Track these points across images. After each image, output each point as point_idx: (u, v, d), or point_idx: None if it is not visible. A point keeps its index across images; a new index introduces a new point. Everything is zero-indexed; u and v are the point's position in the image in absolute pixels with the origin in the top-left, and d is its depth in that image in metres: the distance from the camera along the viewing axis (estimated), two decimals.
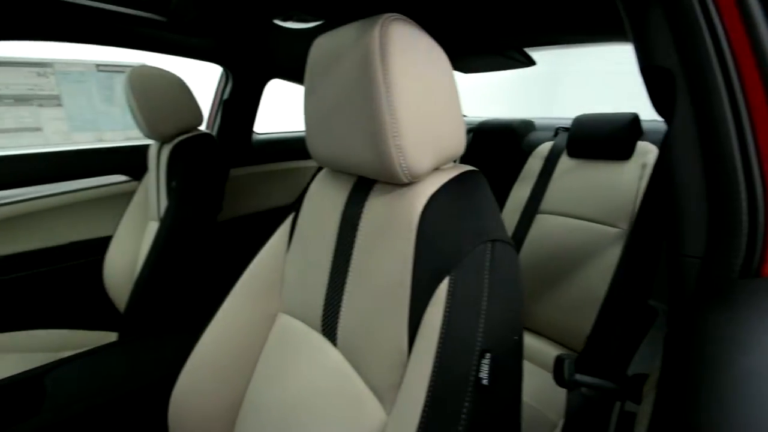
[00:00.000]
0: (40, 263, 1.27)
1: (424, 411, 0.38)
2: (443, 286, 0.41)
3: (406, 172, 0.44)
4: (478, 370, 0.37)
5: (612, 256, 1.01)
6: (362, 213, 0.53)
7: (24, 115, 1.25)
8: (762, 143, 0.33)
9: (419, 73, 0.43)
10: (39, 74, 1.24)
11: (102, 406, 0.69)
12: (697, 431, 0.23)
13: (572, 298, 1.06)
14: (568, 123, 1.21)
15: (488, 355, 0.37)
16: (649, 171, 1.00)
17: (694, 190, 0.37)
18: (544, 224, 1.16)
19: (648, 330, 0.76)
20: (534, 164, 1.23)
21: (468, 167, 0.52)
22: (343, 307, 0.54)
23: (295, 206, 0.67)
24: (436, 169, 0.49)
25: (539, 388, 0.98)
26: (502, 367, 0.38)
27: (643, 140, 1.07)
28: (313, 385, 0.55)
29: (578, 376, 0.48)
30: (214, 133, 1.56)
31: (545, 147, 1.23)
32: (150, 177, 1.25)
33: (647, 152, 1.04)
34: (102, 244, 1.27)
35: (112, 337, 1.16)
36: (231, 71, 1.49)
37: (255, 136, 1.72)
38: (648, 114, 1.10)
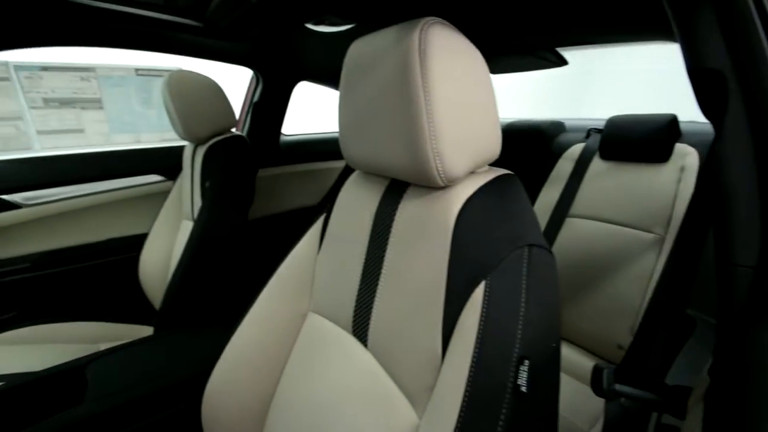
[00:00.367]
0: (80, 259, 1.34)
1: (460, 416, 0.38)
2: (479, 291, 0.41)
3: (442, 175, 0.44)
4: (516, 377, 0.36)
5: (647, 262, 0.97)
6: (395, 215, 0.53)
7: (68, 117, 1.32)
8: None
9: (458, 77, 0.43)
10: (82, 78, 1.30)
11: (140, 398, 0.72)
12: None
13: (602, 306, 1.03)
14: (600, 124, 1.18)
15: (527, 361, 0.37)
16: (688, 174, 0.97)
17: (747, 195, 0.36)
18: (573, 228, 1.13)
19: (686, 340, 0.73)
20: (564, 166, 1.20)
21: (503, 171, 0.51)
22: (375, 309, 0.54)
23: (326, 207, 0.68)
24: (472, 172, 0.49)
25: (568, 397, 0.96)
26: (541, 375, 0.38)
27: (681, 142, 1.03)
28: (343, 385, 0.55)
29: (618, 386, 0.46)
30: (244, 134, 1.60)
31: (576, 149, 1.20)
32: (184, 177, 1.29)
33: (686, 155, 1.00)
34: (138, 242, 1.32)
35: (146, 330, 1.21)
36: (261, 74, 1.52)
37: (282, 138, 1.76)
38: (686, 114, 1.06)
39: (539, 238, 0.43)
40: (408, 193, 0.53)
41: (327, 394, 0.56)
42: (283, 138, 1.76)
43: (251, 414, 0.65)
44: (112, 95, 1.36)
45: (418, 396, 0.47)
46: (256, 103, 1.57)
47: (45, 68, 1.25)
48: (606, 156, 1.12)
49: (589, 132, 1.23)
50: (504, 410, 0.36)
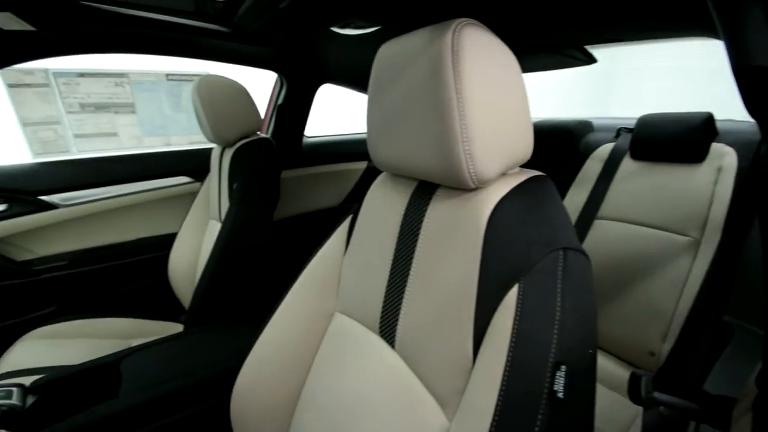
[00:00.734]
0: (114, 257, 1.39)
1: (494, 420, 0.37)
2: (512, 294, 0.40)
3: (474, 177, 0.44)
4: (552, 383, 0.36)
5: (681, 266, 0.94)
6: (424, 217, 0.53)
7: (103, 121, 1.37)
8: None
9: (490, 79, 0.43)
10: (116, 84, 1.36)
11: (171, 393, 0.74)
12: None
13: (633, 311, 1.00)
14: (629, 123, 1.14)
15: (564, 367, 0.36)
16: (725, 175, 0.93)
17: None
18: (603, 231, 1.10)
19: (725, 347, 0.70)
20: (592, 167, 1.17)
21: (535, 172, 0.51)
22: (403, 311, 0.54)
23: (353, 209, 0.68)
24: (503, 174, 0.48)
25: (597, 405, 0.93)
26: (578, 381, 0.37)
27: (718, 141, 0.99)
28: (370, 385, 0.56)
29: (656, 394, 0.45)
30: (268, 136, 1.63)
31: (605, 149, 1.16)
32: (212, 179, 1.32)
33: (723, 155, 0.96)
34: (167, 241, 1.36)
35: (175, 327, 1.25)
36: (285, 77, 1.55)
37: (304, 139, 1.78)
38: (723, 113, 1.02)
39: (575, 242, 0.42)
40: (437, 194, 0.53)
41: (353, 394, 0.57)
42: (305, 139, 1.78)
43: (278, 411, 0.66)
44: (144, 100, 1.41)
45: (448, 399, 0.46)
46: (280, 105, 1.60)
47: (81, 75, 1.30)
48: (637, 156, 1.09)
49: (619, 131, 1.19)
50: (540, 416, 0.35)
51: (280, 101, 1.60)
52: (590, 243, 1.11)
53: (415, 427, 0.48)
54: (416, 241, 0.54)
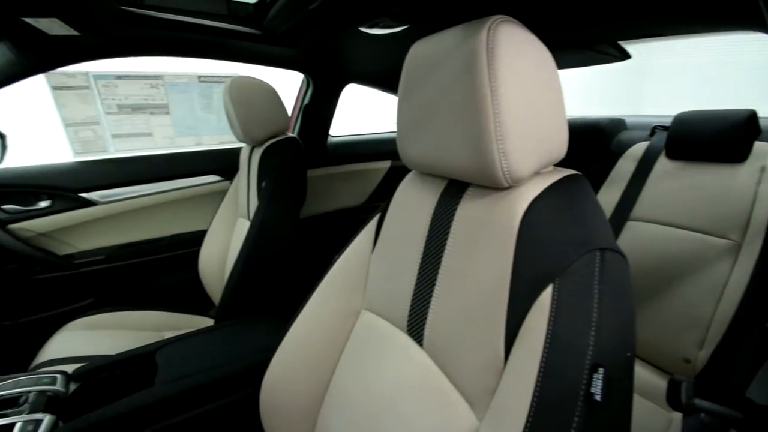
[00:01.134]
0: (147, 252, 1.45)
1: (527, 421, 0.37)
2: (546, 294, 0.40)
3: (507, 176, 0.43)
4: (589, 384, 0.35)
5: (720, 270, 0.89)
6: (454, 216, 0.53)
7: (138, 122, 1.43)
8: None
9: (526, 76, 0.43)
10: (151, 86, 1.41)
11: (204, 384, 0.76)
12: None
13: (668, 317, 0.96)
14: (664, 121, 1.10)
15: (601, 369, 0.35)
16: None
17: None
18: (636, 233, 1.06)
19: None
20: (625, 166, 1.13)
21: (569, 171, 0.50)
22: (432, 309, 0.54)
23: (381, 207, 0.69)
24: (537, 173, 0.48)
25: None
26: (615, 384, 0.36)
27: (761, 140, 0.94)
28: (397, 382, 0.56)
29: (697, 401, 0.43)
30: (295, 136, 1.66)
31: (639, 147, 1.12)
32: (240, 177, 1.36)
33: (767, 154, 0.91)
34: (198, 237, 1.41)
35: (205, 321, 1.29)
36: (312, 78, 1.57)
37: (329, 139, 1.80)
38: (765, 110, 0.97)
39: (612, 242, 0.41)
40: (468, 193, 0.53)
41: (381, 390, 0.57)
42: (329, 139, 1.80)
43: (306, 405, 0.67)
44: (178, 101, 1.47)
45: (478, 398, 0.46)
46: (306, 105, 1.63)
47: (119, 77, 1.36)
48: (673, 155, 1.05)
49: (654, 129, 1.15)
50: (576, 418, 0.35)
51: (306, 101, 1.62)
52: (623, 245, 1.06)
53: (444, 426, 0.48)
54: (446, 240, 0.54)
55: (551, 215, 0.44)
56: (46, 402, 0.72)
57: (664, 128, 1.10)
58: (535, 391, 0.37)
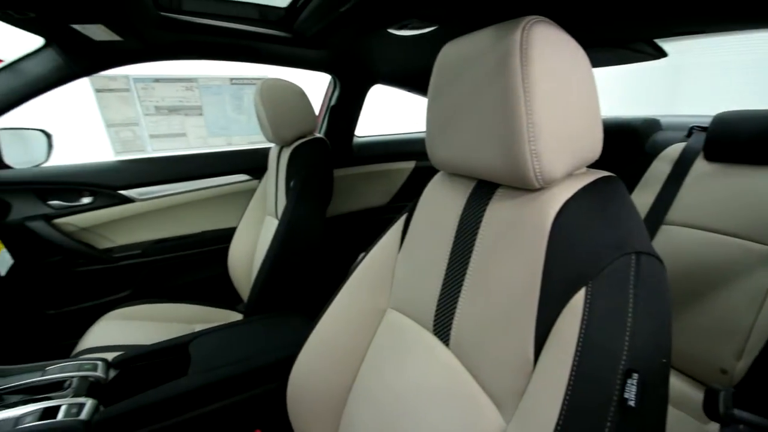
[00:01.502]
0: (180, 248, 1.51)
1: (558, 425, 0.36)
2: (579, 297, 0.39)
3: (539, 177, 0.43)
4: (623, 390, 0.34)
5: (760, 278, 0.85)
6: (483, 217, 0.53)
7: (174, 123, 1.49)
8: None
9: (559, 76, 0.42)
10: (186, 88, 1.47)
11: (235, 376, 0.79)
12: None
13: (704, 325, 0.92)
14: (702, 121, 1.06)
15: (635, 375, 0.34)
16: None
17: None
18: (671, 237, 1.02)
19: None
20: (660, 168, 1.09)
21: (603, 172, 0.49)
22: (459, 309, 0.54)
23: (408, 207, 0.69)
24: (570, 174, 0.47)
25: None
26: (650, 390, 0.35)
27: None
28: (423, 381, 0.56)
29: (737, 411, 0.42)
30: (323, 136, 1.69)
31: (675, 149, 1.08)
32: (269, 177, 1.39)
33: None
34: (228, 234, 1.46)
35: (233, 315, 1.33)
36: (339, 79, 1.60)
37: (354, 139, 1.82)
38: None
39: (648, 246, 0.41)
40: (497, 194, 0.52)
41: (406, 389, 0.58)
42: (354, 139, 1.82)
43: (331, 400, 0.68)
44: (210, 103, 1.52)
45: (505, 400, 0.46)
46: (333, 106, 1.65)
47: (157, 80, 1.42)
48: (712, 157, 1.00)
49: (692, 130, 1.10)
50: (609, 423, 0.34)
51: (333, 102, 1.65)
52: (656, 249, 1.04)
53: (470, 426, 0.48)
54: (474, 240, 0.54)
55: (585, 217, 0.43)
56: (89, 387, 0.76)
57: (703, 129, 1.05)
58: (566, 394, 0.37)
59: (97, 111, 1.40)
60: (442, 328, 0.57)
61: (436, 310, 0.58)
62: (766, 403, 0.48)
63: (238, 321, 1.05)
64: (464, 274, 0.54)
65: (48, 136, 1.34)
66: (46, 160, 1.33)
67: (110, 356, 0.88)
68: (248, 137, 1.65)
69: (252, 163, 1.58)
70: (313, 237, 1.16)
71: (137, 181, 1.42)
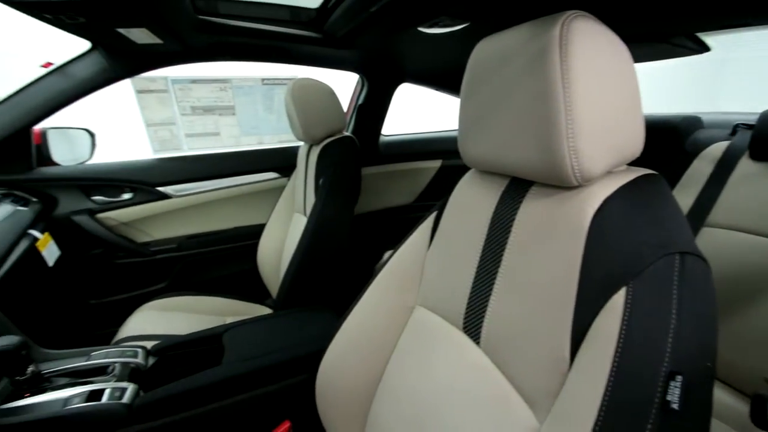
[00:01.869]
0: (213, 243, 1.56)
1: (596, 425, 0.36)
2: (619, 297, 0.38)
3: (578, 174, 0.42)
4: (665, 392, 0.34)
5: None
6: (516, 215, 0.53)
7: (209, 122, 1.54)
8: None
9: (600, 72, 0.41)
10: (220, 89, 1.52)
11: (266, 367, 0.81)
12: None
13: (748, 332, 0.87)
14: (747, 119, 1.00)
15: (679, 377, 0.34)
16: None
17: None
18: (713, 240, 0.98)
19: None
20: (701, 167, 1.04)
21: (645, 170, 0.47)
22: (490, 308, 0.54)
23: (438, 205, 0.69)
24: (609, 172, 0.46)
25: None
26: (694, 393, 0.34)
27: None
28: (452, 379, 0.56)
29: None
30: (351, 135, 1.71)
31: (718, 147, 1.03)
32: (297, 175, 1.42)
33: None
34: (257, 231, 1.50)
35: (262, 309, 1.37)
36: (367, 78, 1.61)
37: (380, 138, 1.83)
38: None
39: (693, 246, 0.39)
40: (532, 192, 0.52)
41: (435, 387, 0.58)
42: (381, 138, 1.83)
43: (359, 395, 0.69)
44: (243, 103, 1.56)
45: (539, 400, 0.45)
46: (360, 105, 1.67)
47: (194, 81, 1.48)
48: (759, 156, 0.95)
49: (736, 128, 1.05)
50: (649, 425, 0.33)
51: (360, 101, 1.66)
52: None
53: (502, 425, 0.48)
54: (507, 238, 0.53)
55: (625, 215, 0.42)
56: (130, 373, 0.80)
57: (749, 126, 1.00)
58: (605, 394, 0.36)
59: (137, 111, 1.47)
60: (472, 326, 0.56)
61: (467, 308, 0.58)
62: None
63: (268, 314, 1.08)
64: (496, 272, 0.54)
65: (92, 135, 1.41)
66: (90, 157, 1.40)
67: (149, 344, 0.92)
68: (278, 136, 1.68)
69: (281, 161, 1.62)
70: (340, 234, 1.18)
71: (173, 179, 1.48)
